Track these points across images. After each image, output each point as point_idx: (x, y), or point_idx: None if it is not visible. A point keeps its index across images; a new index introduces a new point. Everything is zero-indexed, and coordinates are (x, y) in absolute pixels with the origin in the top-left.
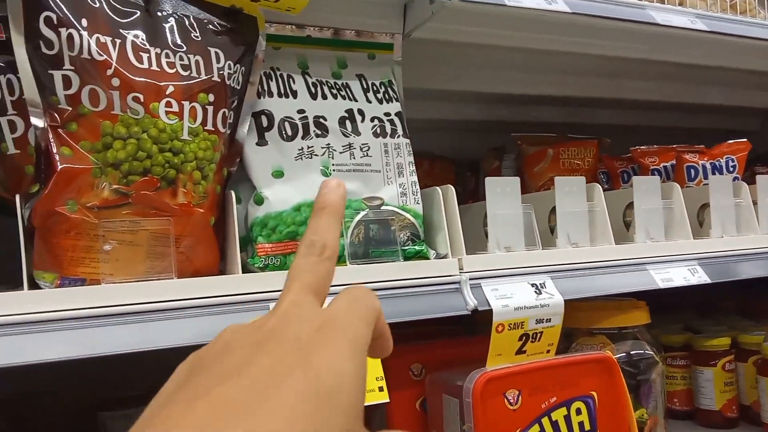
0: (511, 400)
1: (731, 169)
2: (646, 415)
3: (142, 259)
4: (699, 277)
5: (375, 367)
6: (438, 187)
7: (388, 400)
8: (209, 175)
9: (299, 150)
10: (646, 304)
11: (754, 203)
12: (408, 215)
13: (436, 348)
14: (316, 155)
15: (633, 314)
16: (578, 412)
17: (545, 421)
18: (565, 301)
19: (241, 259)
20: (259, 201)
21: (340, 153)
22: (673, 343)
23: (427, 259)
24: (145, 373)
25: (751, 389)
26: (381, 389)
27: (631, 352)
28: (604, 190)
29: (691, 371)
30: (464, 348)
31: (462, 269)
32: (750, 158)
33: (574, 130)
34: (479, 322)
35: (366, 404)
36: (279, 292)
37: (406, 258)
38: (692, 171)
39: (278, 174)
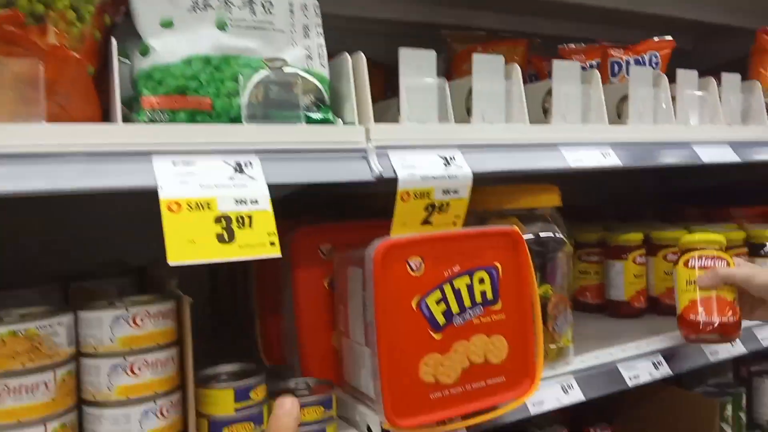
0: (414, 267)
1: (654, 65)
2: (551, 291)
3: (10, 104)
4: (611, 160)
5: (267, 222)
6: (348, 54)
7: (279, 255)
8: (86, 18)
9: (193, 1)
10: (557, 188)
11: (674, 99)
12: (313, 79)
13: (346, 229)
14: (211, 7)
15: (543, 196)
16: (481, 281)
17: (447, 288)
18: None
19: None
20: (145, 51)
21: (239, 8)
22: (589, 240)
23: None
24: None
25: (660, 281)
26: (272, 244)
27: (540, 233)
28: None
29: (603, 266)
30: (376, 231)
31: (370, 138)
32: None
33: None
34: None
35: (255, 257)
36: (165, 145)
37: (310, 123)
38: (616, 66)
39: (167, 24)
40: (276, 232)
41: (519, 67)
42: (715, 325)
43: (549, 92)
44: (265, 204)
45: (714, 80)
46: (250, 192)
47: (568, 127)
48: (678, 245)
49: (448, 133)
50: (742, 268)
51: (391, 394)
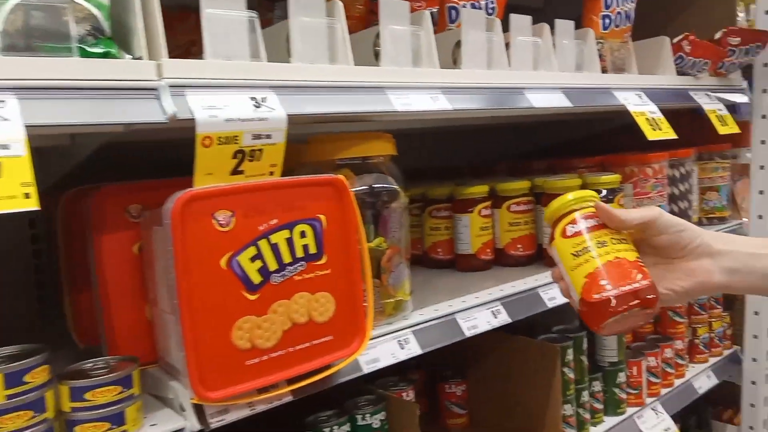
0: (222, 222)
1: (490, 11)
2: (384, 244)
3: None
4: (441, 104)
5: (20, 170)
6: None
7: (37, 208)
8: None
9: None
10: (391, 136)
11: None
12: (87, 4)
13: (159, 186)
14: None
15: (376, 144)
16: (303, 234)
17: (263, 243)
18: (308, 134)
19: None
20: None
21: None
22: (438, 196)
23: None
24: None
25: (505, 233)
26: (27, 196)
27: (374, 184)
28: None
29: (452, 221)
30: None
31: (162, 75)
32: None
33: None
34: None
35: (8, 211)
36: None
37: (87, 57)
38: (453, 12)
39: None
40: (33, 182)
41: (342, 4)
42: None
43: (378, 35)
44: (19, 149)
45: (548, 26)
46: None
47: (396, 70)
48: (546, 219)
49: (259, 73)
50: (645, 208)
51: (198, 365)
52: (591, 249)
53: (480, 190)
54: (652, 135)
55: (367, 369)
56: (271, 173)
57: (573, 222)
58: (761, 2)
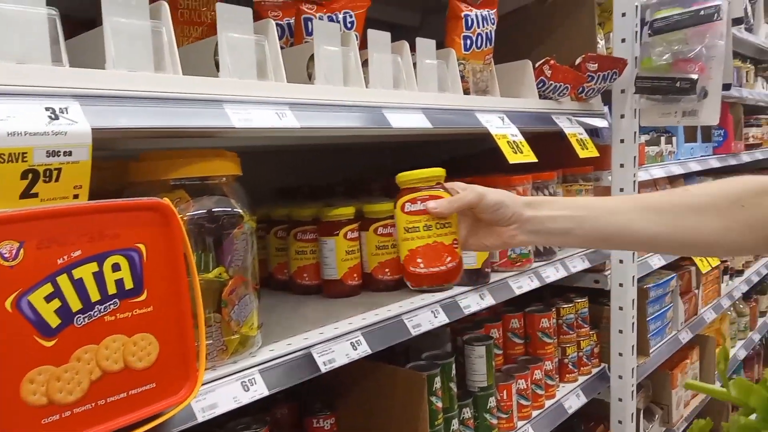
0: (6, 255)
1: (349, 25)
2: (226, 274)
3: None
4: (287, 121)
5: None
6: None
7: None
8: None
9: None
10: (235, 155)
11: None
12: None
13: None
14: None
15: (217, 163)
16: (116, 267)
17: (63, 279)
18: (140, 151)
19: None
20: None
21: None
22: (304, 217)
23: None
24: None
25: (372, 256)
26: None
27: (213, 208)
28: None
29: (318, 244)
30: None
31: None
32: None
33: None
34: None
35: None
36: None
37: None
38: (309, 24)
39: None
40: None
41: (167, 5)
42: (436, 273)
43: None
44: None
45: (407, 44)
46: None
47: (234, 82)
48: (397, 182)
49: (60, 79)
50: (468, 192)
51: None
52: (418, 230)
53: (346, 211)
54: (513, 158)
55: (202, 417)
56: (76, 196)
57: (413, 201)
58: (617, 31)
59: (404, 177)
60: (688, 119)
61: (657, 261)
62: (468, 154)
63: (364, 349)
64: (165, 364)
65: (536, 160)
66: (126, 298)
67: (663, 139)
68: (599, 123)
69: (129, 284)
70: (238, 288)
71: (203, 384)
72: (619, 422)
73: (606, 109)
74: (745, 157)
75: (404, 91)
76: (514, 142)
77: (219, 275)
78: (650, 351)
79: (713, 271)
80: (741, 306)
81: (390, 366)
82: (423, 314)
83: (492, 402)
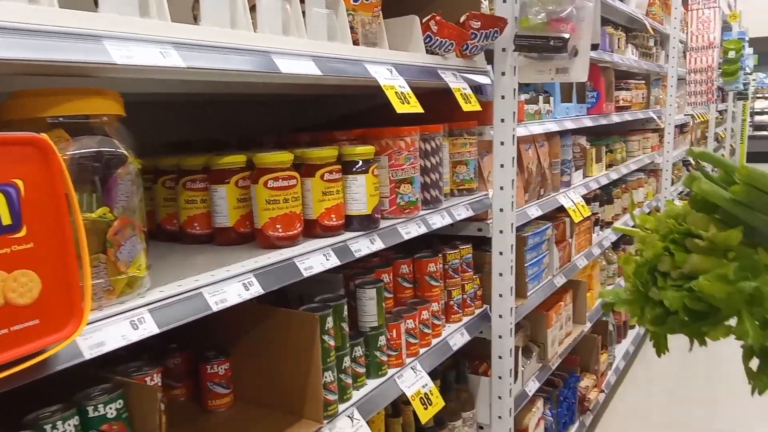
0: None
1: None
2: (110, 215)
3: None
4: (172, 60)
5: None
6: None
7: None
8: None
9: None
10: (117, 94)
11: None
12: None
13: None
14: None
15: (98, 101)
16: None
17: None
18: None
19: None
20: None
21: None
22: (194, 166)
23: None
24: None
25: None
26: None
27: (95, 147)
28: None
29: (209, 193)
30: None
31: None
32: None
33: None
34: None
35: None
36: None
37: None
38: None
39: None
40: None
41: None
42: (289, 237)
43: None
44: None
45: None
46: None
47: (116, 18)
48: (256, 167)
49: None
50: None
51: None
52: (278, 202)
53: (237, 159)
54: (400, 108)
55: (90, 354)
56: None
57: (275, 179)
58: None
59: (262, 159)
60: (560, 76)
61: (534, 211)
62: (361, 110)
63: (256, 290)
64: (48, 302)
65: (422, 111)
66: (4, 233)
67: (541, 98)
68: (482, 80)
69: (6, 220)
70: (123, 229)
71: (91, 323)
72: (500, 357)
73: (489, 67)
74: (615, 118)
75: (294, 38)
76: (401, 93)
77: (103, 215)
78: (528, 294)
79: (585, 222)
80: (610, 254)
81: (284, 309)
82: (315, 257)
83: (382, 341)
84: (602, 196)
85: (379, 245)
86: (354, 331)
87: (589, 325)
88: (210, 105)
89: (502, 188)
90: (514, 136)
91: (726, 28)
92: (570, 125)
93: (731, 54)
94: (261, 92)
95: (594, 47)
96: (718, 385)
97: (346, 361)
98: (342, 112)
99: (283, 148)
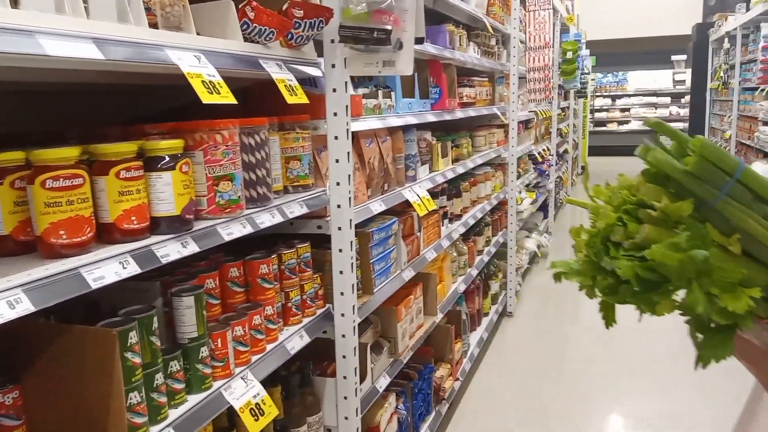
0: None
1: None
2: None
3: None
4: None
5: None
6: None
7: None
8: None
9: None
10: None
11: None
12: None
13: None
14: None
15: None
16: None
17: None
18: None
19: None
20: None
21: None
22: None
23: None
24: None
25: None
26: None
27: None
28: None
29: None
30: None
31: None
32: None
33: None
34: None
35: None
36: None
37: None
38: None
39: None
40: None
41: None
42: (76, 244)
43: None
44: None
45: None
46: None
47: None
48: (32, 165)
49: None
50: None
51: None
52: (60, 204)
53: (11, 157)
54: (207, 98)
55: None
56: None
57: (55, 178)
58: None
59: (44, 155)
60: (387, 69)
61: (378, 206)
62: (188, 104)
63: (25, 307)
64: None
65: (234, 101)
66: None
67: (381, 92)
68: (312, 71)
69: None
70: None
71: None
72: (344, 357)
73: (322, 59)
74: (460, 114)
75: (69, 17)
76: (210, 82)
77: None
78: (375, 290)
79: (433, 215)
80: (461, 246)
81: (78, 326)
82: (108, 266)
83: (204, 352)
84: (450, 189)
85: (193, 248)
86: (171, 344)
87: (441, 315)
88: (25, 94)
89: (338, 184)
90: (348, 130)
91: (564, 30)
92: (412, 120)
93: (569, 54)
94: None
95: (419, 41)
96: (567, 365)
97: (159, 379)
98: (170, 105)
99: (87, 142)
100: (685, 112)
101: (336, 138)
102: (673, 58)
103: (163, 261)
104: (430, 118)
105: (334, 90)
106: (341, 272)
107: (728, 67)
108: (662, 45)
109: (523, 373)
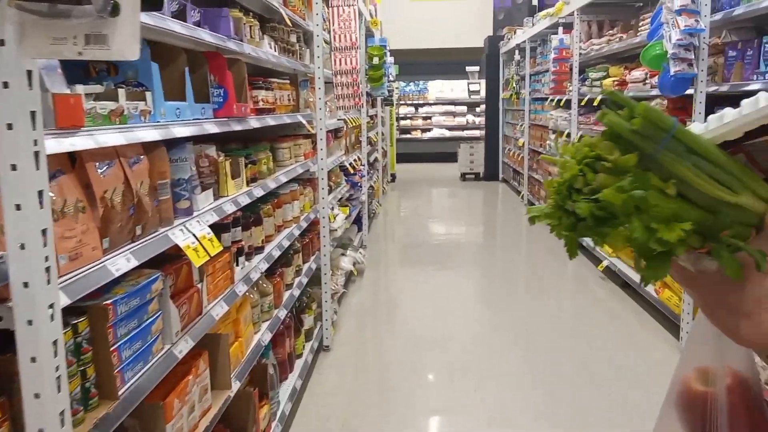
0: None
1: None
2: None
3: None
4: None
5: None
6: None
7: None
8: None
9: None
10: None
11: None
12: None
13: None
14: None
15: None
16: None
17: None
18: None
19: None
20: None
21: None
22: None
23: None
24: None
25: None
26: None
27: None
28: None
29: None
30: None
31: None
32: None
33: None
34: None
35: None
36: None
37: None
38: None
39: None
40: None
41: None
42: None
43: None
44: None
45: None
46: None
47: None
48: None
49: None
50: None
51: None
52: None
53: None
54: None
55: None
56: None
57: None
58: None
59: None
60: (95, 49)
61: (123, 263)
62: None
63: None
64: None
65: None
66: None
67: (123, 92)
68: None
69: None
70: None
71: None
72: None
73: None
74: (255, 123)
75: None
76: None
77: None
78: (122, 390)
79: (222, 256)
80: (264, 285)
81: None
82: None
83: None
84: (247, 217)
85: None
86: None
87: (237, 384)
88: None
89: (23, 247)
90: (40, 153)
91: (369, 34)
92: (183, 132)
93: (375, 60)
94: None
95: (151, 4)
96: (390, 394)
97: None
98: None
99: None
100: (480, 120)
101: (13, 168)
102: (468, 68)
103: None
104: (212, 128)
105: (6, 84)
106: (37, 396)
107: (520, 78)
108: (458, 56)
109: (344, 420)
